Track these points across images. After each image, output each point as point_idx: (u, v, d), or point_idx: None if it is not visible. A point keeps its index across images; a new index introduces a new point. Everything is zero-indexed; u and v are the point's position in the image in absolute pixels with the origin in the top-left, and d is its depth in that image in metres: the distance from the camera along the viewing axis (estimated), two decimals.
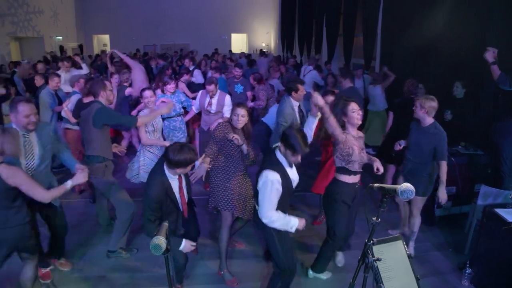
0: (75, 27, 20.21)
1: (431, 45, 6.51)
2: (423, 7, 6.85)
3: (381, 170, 3.56)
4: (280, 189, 2.95)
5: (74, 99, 5.59)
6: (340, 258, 4.17)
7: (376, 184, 2.53)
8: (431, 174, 4.07)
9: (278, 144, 3.10)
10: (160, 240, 2.27)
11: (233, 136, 3.61)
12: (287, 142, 2.88)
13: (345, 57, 11.22)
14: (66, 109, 5.33)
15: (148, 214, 3.06)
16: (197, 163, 3.59)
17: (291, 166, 3.09)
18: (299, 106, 4.89)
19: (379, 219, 2.45)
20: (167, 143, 4.62)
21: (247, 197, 3.85)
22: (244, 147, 3.72)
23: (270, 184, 2.91)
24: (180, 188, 3.26)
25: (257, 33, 22.26)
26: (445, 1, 6.24)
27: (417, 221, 4.25)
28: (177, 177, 3.20)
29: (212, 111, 5.47)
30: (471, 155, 4.95)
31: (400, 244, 2.59)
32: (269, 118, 5.59)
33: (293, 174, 3.13)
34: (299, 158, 2.95)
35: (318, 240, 4.46)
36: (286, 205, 3.14)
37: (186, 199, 3.36)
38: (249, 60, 12.40)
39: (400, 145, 4.31)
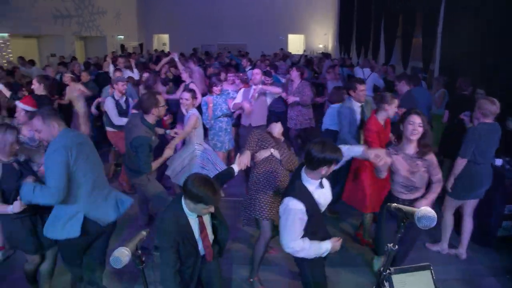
0: (136, 26, 20.95)
1: (495, 49, 5.99)
2: (488, 8, 6.31)
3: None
4: (305, 218, 2.61)
5: (110, 105, 5.52)
6: None
7: (393, 205, 2.19)
8: (463, 178, 3.89)
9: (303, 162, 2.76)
10: (122, 253, 2.01)
11: (271, 153, 3.65)
12: (314, 161, 2.51)
13: (402, 60, 10.68)
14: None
15: (163, 256, 2.58)
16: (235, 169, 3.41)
17: (322, 186, 2.71)
18: (361, 107, 4.68)
19: (396, 246, 2.12)
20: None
21: None
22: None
23: (293, 214, 2.57)
24: (202, 228, 2.74)
25: (314, 34, 21.87)
26: None
27: (447, 221, 4.14)
28: (196, 215, 2.70)
29: (252, 101, 5.61)
30: None
31: (427, 274, 2.11)
32: (327, 121, 5.36)
33: (325, 196, 2.76)
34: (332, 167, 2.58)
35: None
36: (319, 225, 2.81)
37: (211, 241, 2.87)
38: (306, 59, 12.25)
39: (465, 115, 4.72)
